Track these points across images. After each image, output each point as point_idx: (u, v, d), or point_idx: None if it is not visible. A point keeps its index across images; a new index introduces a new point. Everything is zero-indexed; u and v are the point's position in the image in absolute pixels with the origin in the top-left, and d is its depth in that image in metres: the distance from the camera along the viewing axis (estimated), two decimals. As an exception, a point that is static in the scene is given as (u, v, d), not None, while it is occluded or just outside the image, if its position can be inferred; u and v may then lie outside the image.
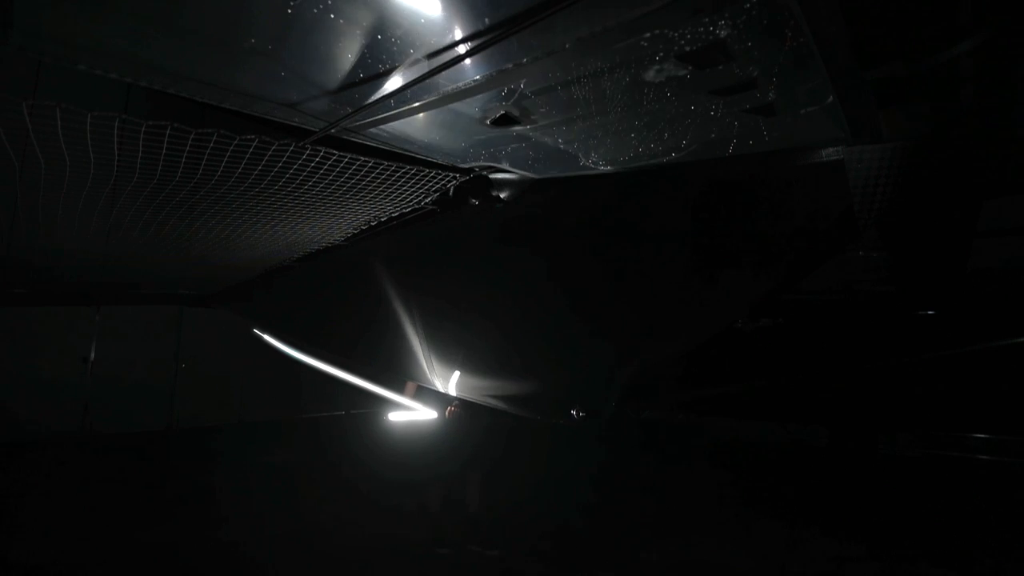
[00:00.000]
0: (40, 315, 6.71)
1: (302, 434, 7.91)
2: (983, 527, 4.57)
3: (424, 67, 1.08)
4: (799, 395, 7.34)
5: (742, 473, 6.37)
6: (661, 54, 1.09)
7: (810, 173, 1.61)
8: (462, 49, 1.04)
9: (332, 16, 0.99)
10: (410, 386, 4.48)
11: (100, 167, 1.63)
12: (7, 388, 6.34)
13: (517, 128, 1.48)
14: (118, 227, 2.45)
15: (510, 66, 1.13)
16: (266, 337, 4.24)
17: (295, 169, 1.67)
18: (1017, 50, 1.33)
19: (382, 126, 1.48)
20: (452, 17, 0.99)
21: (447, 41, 1.05)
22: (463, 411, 4.19)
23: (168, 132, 1.38)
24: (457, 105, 1.35)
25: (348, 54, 1.11)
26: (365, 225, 2.49)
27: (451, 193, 2.00)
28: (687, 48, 1.06)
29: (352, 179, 1.79)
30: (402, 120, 1.43)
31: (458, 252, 2.57)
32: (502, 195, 1.98)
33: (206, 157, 1.55)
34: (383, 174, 1.78)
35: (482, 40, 1.00)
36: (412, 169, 1.79)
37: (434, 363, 2.84)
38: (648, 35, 1.03)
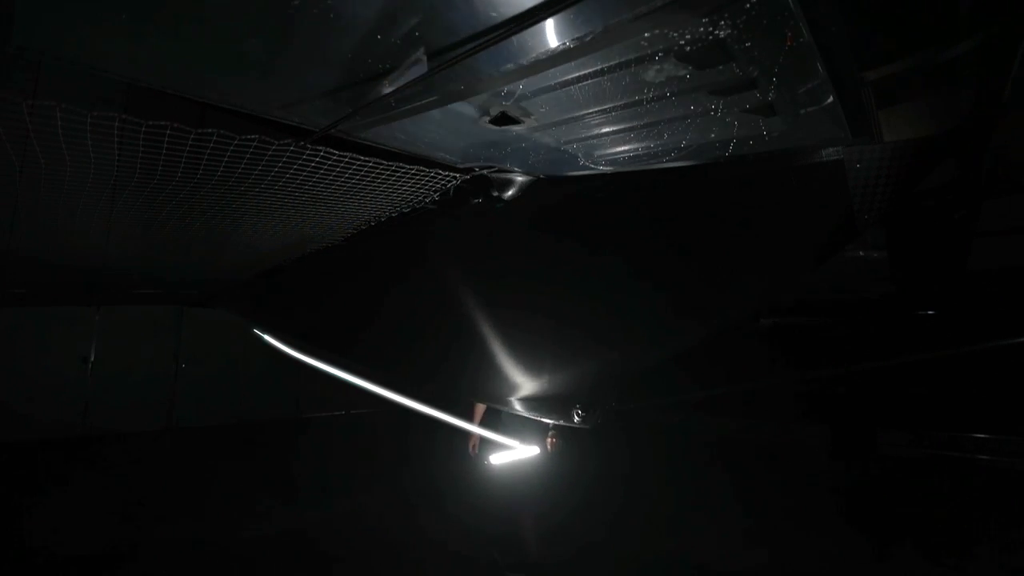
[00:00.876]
0: (40, 315, 6.71)
1: (302, 434, 7.90)
2: (983, 527, 4.57)
3: (424, 67, 1.08)
4: (799, 395, 7.35)
5: (742, 473, 6.37)
6: (661, 54, 1.10)
7: (810, 173, 1.61)
8: (462, 49, 1.04)
9: (332, 16, 0.99)
10: (478, 409, 3.49)
11: (100, 167, 1.64)
12: (7, 388, 6.35)
13: (517, 128, 1.48)
14: (118, 227, 2.45)
15: (510, 66, 1.13)
16: (266, 337, 4.23)
17: (295, 169, 1.68)
18: (1017, 50, 1.33)
19: (382, 126, 1.48)
20: (452, 17, 0.99)
21: (447, 41, 1.05)
22: (561, 439, 3.39)
23: (168, 132, 1.38)
24: (457, 105, 1.35)
25: (348, 54, 1.11)
26: (365, 225, 2.50)
27: (451, 193, 2.00)
28: (687, 48, 1.06)
29: (352, 179, 1.79)
30: (402, 120, 1.44)
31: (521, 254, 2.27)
32: (503, 195, 1.98)
33: (206, 157, 1.56)
34: (383, 174, 1.78)
35: (482, 40, 1.00)
36: (412, 169, 1.79)
37: (513, 381, 2.31)
38: (648, 35, 1.03)
